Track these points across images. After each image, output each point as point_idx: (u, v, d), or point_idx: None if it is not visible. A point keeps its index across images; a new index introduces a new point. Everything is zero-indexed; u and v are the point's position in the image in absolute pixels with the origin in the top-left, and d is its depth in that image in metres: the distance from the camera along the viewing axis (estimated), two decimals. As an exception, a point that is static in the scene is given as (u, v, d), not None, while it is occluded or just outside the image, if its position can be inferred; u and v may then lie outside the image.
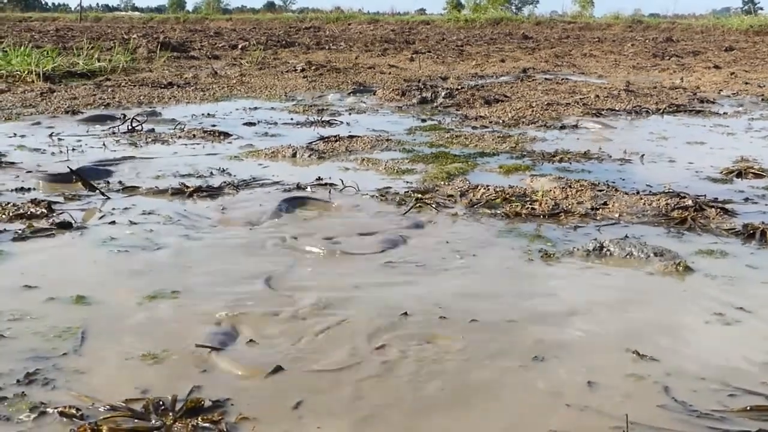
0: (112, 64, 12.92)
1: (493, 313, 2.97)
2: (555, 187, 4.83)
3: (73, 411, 2.17)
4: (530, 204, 4.50)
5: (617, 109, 8.99)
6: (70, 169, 4.85)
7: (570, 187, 4.83)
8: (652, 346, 2.68)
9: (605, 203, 4.54)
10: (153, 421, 2.14)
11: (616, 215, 4.36)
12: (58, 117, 7.78)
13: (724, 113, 8.84)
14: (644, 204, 4.52)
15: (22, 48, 13.14)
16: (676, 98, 10.04)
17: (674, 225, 4.19)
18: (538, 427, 2.18)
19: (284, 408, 2.25)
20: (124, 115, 7.43)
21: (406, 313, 2.94)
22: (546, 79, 12.65)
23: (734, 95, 10.67)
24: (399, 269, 3.47)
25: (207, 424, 2.13)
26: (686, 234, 4.06)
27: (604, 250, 3.68)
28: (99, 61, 13.08)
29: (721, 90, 11.24)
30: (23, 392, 2.32)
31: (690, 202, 4.47)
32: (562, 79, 12.52)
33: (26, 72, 11.11)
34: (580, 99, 9.65)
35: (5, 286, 3.18)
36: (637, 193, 4.80)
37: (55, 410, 2.19)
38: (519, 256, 3.66)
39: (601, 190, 4.81)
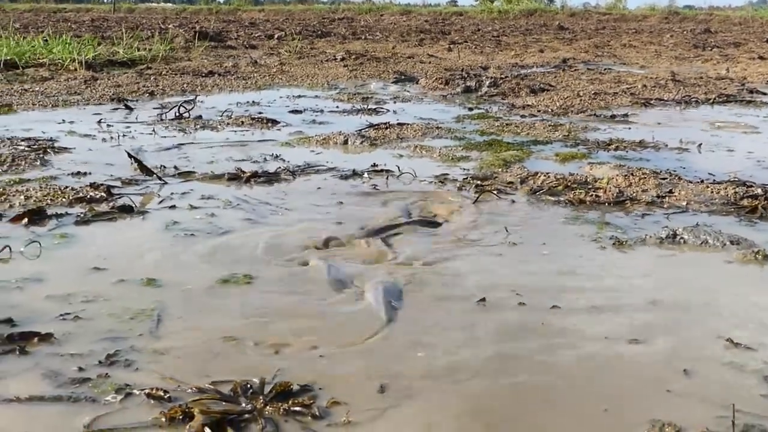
0: (152, 54, 12.91)
1: (573, 300, 2.89)
2: (617, 175, 4.74)
3: (161, 393, 2.12)
4: (594, 191, 4.41)
5: (666, 98, 8.84)
6: (128, 152, 4.82)
7: (632, 175, 4.73)
8: (744, 335, 2.59)
9: (671, 191, 4.44)
10: (243, 405, 2.08)
11: (684, 203, 4.26)
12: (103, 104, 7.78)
13: (776, 103, 8.67)
14: (711, 192, 4.41)
15: (63, 37, 13.19)
16: (725, 88, 9.87)
17: (745, 213, 4.08)
18: (640, 413, 2.10)
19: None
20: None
21: (483, 299, 2.87)
22: (588, 69, 12.50)
23: (783, 86, 10.47)
24: (469, 254, 3.40)
25: (298, 408, 2.07)
26: (759, 222, 3.95)
27: (678, 237, 3.58)
28: (138, 51, 13.09)
29: (768, 81, 11.04)
30: (106, 373, 2.27)
31: (759, 191, 4.36)
32: (605, 69, 12.36)
33: (68, 60, 11.13)
34: (627, 88, 9.51)
35: (74, 269, 3.15)
36: (702, 181, 4.69)
37: (142, 392, 2.14)
38: (590, 243, 3.58)
39: (664, 179, 4.71)
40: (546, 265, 3.29)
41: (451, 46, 17.20)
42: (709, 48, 17.63)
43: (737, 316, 2.77)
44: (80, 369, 2.30)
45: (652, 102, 8.54)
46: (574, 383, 2.28)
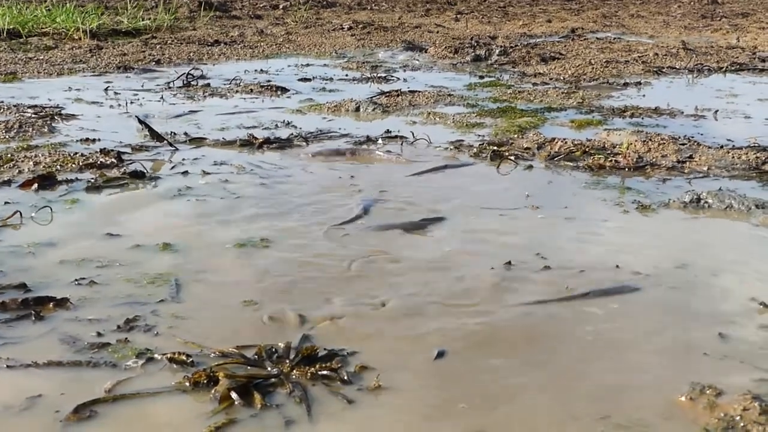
0: (156, 23, 12.76)
1: (598, 265, 2.82)
2: (636, 141, 4.65)
3: (183, 357, 2.06)
4: (613, 157, 4.33)
5: (678, 67, 8.72)
6: (138, 118, 4.74)
7: (651, 140, 4.65)
8: (777, 298, 2.53)
9: (691, 156, 4.36)
10: (269, 369, 2.02)
11: (705, 168, 4.18)
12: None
13: (790, 72, 8.55)
14: (732, 157, 4.33)
15: (66, 6, 13.04)
16: (736, 57, 9.73)
17: (768, 178, 4.01)
18: (679, 375, 2.04)
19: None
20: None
21: (510, 262, 2.80)
22: (598, 38, 12.34)
23: (796, 54, 10.34)
24: (492, 221, 3.34)
25: (326, 372, 2.01)
26: (783, 187, 3.88)
27: (702, 202, 3.51)
28: (142, 20, 12.95)
29: (780, 49, 10.90)
30: (126, 338, 2.21)
31: (782, 156, 4.28)
32: (615, 39, 12.20)
33: (73, 29, 11.01)
34: (639, 57, 9.38)
35: (87, 234, 3.09)
36: (722, 147, 4.61)
37: (164, 357, 2.08)
38: (613, 207, 3.51)
39: (683, 144, 4.62)
40: (567, 227, 3.22)
41: (458, 16, 17.02)
42: (718, 18, 17.43)
43: (767, 279, 2.70)
44: (99, 334, 2.24)
45: (664, 70, 8.42)
46: (610, 347, 2.21)
